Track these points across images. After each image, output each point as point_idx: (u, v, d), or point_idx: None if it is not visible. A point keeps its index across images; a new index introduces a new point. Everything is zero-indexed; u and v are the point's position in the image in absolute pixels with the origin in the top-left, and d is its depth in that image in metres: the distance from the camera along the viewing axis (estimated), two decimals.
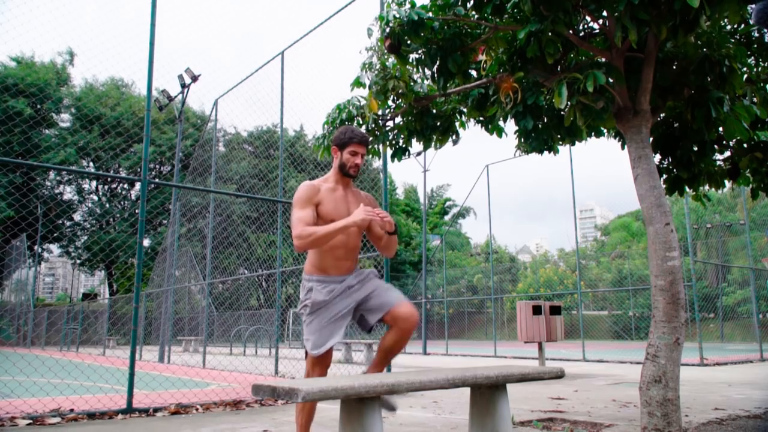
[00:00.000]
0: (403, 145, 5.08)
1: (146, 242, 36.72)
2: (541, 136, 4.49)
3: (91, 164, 37.63)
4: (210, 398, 6.41)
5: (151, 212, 35.19)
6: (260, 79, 11.78)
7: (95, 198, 40.32)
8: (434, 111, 4.94)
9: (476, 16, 3.98)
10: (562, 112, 4.28)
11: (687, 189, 4.67)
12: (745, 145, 4.69)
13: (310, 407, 3.37)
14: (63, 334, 27.38)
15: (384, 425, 3.68)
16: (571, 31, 3.68)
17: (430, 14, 3.95)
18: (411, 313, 3.33)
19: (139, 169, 35.98)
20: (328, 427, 4.65)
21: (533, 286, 36.82)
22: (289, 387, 2.45)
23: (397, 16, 3.86)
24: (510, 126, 4.81)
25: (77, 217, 39.67)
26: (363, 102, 4.81)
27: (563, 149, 5.86)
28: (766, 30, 3.91)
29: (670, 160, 4.52)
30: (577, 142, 4.86)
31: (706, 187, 4.80)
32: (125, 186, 40.35)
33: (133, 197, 40.34)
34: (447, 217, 52.21)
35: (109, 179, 39.98)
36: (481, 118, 4.92)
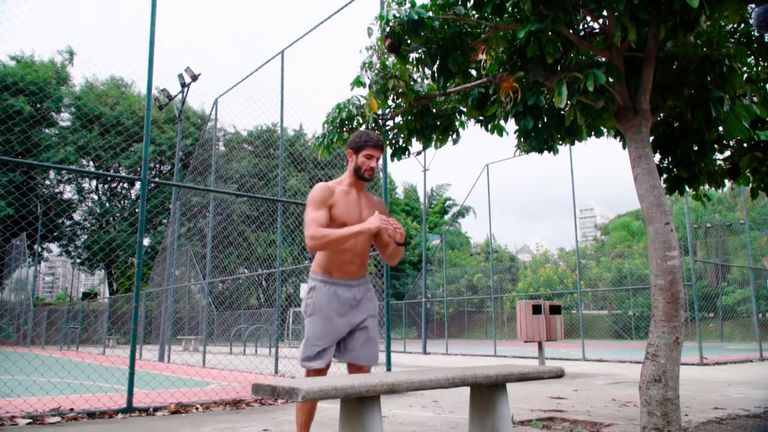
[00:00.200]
0: (403, 145, 5.08)
1: (146, 241, 36.71)
2: (541, 135, 4.49)
3: (91, 163, 37.64)
4: (210, 397, 6.41)
5: (151, 211, 35.20)
6: (260, 78, 11.80)
7: (95, 197, 40.33)
8: (434, 110, 4.94)
9: (476, 16, 3.98)
10: (562, 112, 4.28)
11: (687, 188, 4.67)
12: (745, 145, 4.69)
13: (310, 406, 3.37)
14: (63, 334, 27.37)
15: (384, 424, 3.68)
16: (571, 31, 3.68)
17: (430, 13, 3.95)
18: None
19: (139, 169, 35.99)
20: (329, 426, 4.65)
21: (533, 285, 36.83)
22: (289, 386, 2.45)
23: (397, 15, 3.86)
24: (510, 125, 4.81)
25: (77, 216, 39.68)
26: (363, 101, 4.81)
27: (563, 149, 5.86)
28: (766, 33, 3.91)
29: (670, 159, 4.52)
30: (577, 142, 4.86)
31: (706, 186, 4.80)
32: (125, 185, 40.34)
33: (133, 196, 40.33)
34: (447, 217, 52.20)
35: (109, 178, 39.98)
36: (481, 118, 4.92)
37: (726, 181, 4.87)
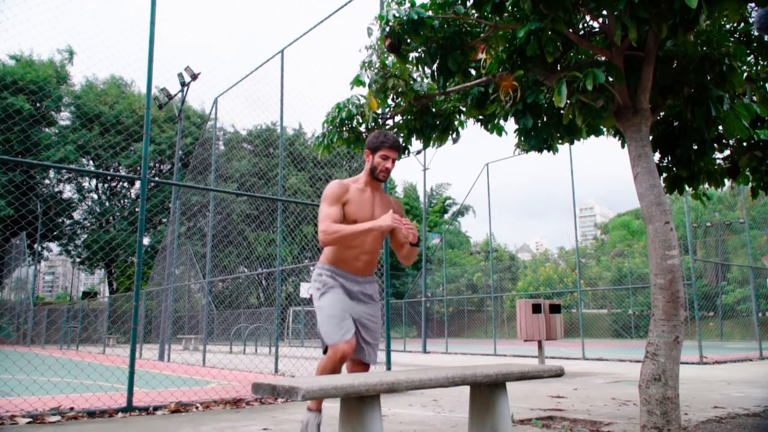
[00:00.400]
0: (403, 144, 5.09)
1: (146, 241, 36.72)
2: (541, 134, 4.49)
3: (91, 163, 37.63)
4: (210, 396, 6.42)
5: (151, 211, 35.20)
6: (260, 77, 11.79)
7: (95, 196, 40.33)
8: (434, 110, 4.94)
9: (476, 15, 3.98)
10: (561, 111, 4.28)
11: (686, 187, 4.67)
12: (744, 144, 4.69)
13: (332, 370, 3.36)
14: (63, 333, 27.38)
15: (384, 423, 3.68)
16: (570, 30, 3.68)
17: (430, 13, 3.95)
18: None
19: (138, 168, 35.99)
20: (329, 425, 4.65)
21: (533, 284, 36.85)
22: (289, 385, 2.46)
23: (397, 15, 3.86)
24: (509, 124, 4.81)
25: (77, 215, 39.68)
26: (363, 100, 4.81)
27: (563, 148, 5.86)
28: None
29: (669, 158, 4.52)
30: (576, 141, 4.86)
31: (706, 185, 4.80)
32: (125, 184, 40.33)
33: (133, 195, 40.33)
34: (447, 216, 52.21)
35: (108, 178, 39.99)
36: (481, 117, 4.92)
37: (725, 180, 4.87)
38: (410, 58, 4.28)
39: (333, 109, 4.92)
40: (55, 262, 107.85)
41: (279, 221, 10.09)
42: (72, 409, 5.29)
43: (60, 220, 37.73)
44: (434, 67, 4.19)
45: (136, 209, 38.37)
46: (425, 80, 4.76)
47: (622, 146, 4.61)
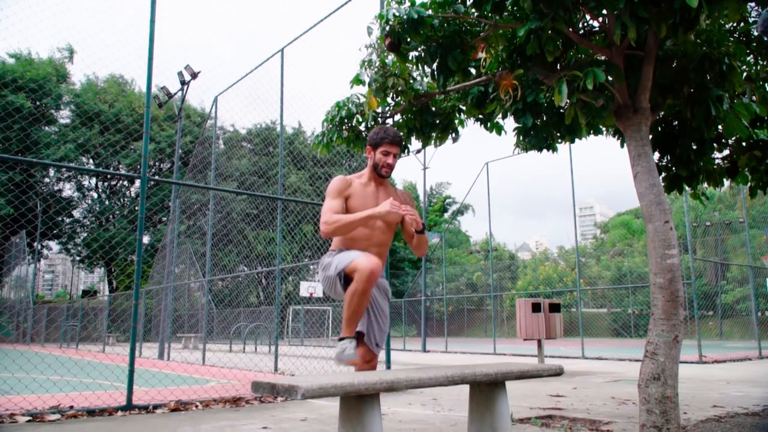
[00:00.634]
0: (403, 143, 5.08)
1: (146, 239, 36.73)
2: (541, 133, 4.49)
3: (91, 161, 37.62)
4: (210, 395, 6.42)
5: (151, 209, 35.18)
6: (260, 76, 11.78)
7: (95, 195, 40.32)
8: (434, 109, 4.94)
9: (476, 14, 3.98)
10: (561, 110, 4.28)
11: (686, 187, 4.67)
12: (744, 144, 4.69)
13: (363, 292, 3.21)
14: (62, 331, 27.38)
15: (384, 422, 3.69)
16: (570, 29, 3.68)
17: (430, 12, 3.95)
18: (373, 365, 3.55)
19: (138, 166, 35.97)
20: (328, 424, 4.66)
21: (533, 283, 36.87)
22: (289, 384, 2.46)
23: (397, 14, 3.86)
24: (509, 124, 4.81)
25: (77, 214, 39.67)
26: (363, 99, 4.81)
27: (562, 147, 5.85)
28: None
29: (669, 158, 4.52)
30: (576, 140, 4.86)
31: (705, 185, 4.80)
32: (125, 183, 40.30)
33: (133, 194, 40.31)
34: (446, 215, 52.23)
35: (108, 176, 39.98)
36: (481, 116, 4.92)
37: (725, 179, 4.87)
38: (410, 57, 4.28)
39: (333, 108, 4.92)
40: (54, 261, 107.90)
41: (279, 220, 10.09)
42: (72, 407, 5.29)
43: (60, 219, 37.72)
44: (434, 66, 4.19)
45: (136, 208, 38.36)
46: (425, 79, 4.76)
47: (621, 145, 4.62)
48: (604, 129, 4.85)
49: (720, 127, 4.27)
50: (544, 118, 4.40)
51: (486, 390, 3.23)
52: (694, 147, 4.34)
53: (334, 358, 3.29)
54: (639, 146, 3.70)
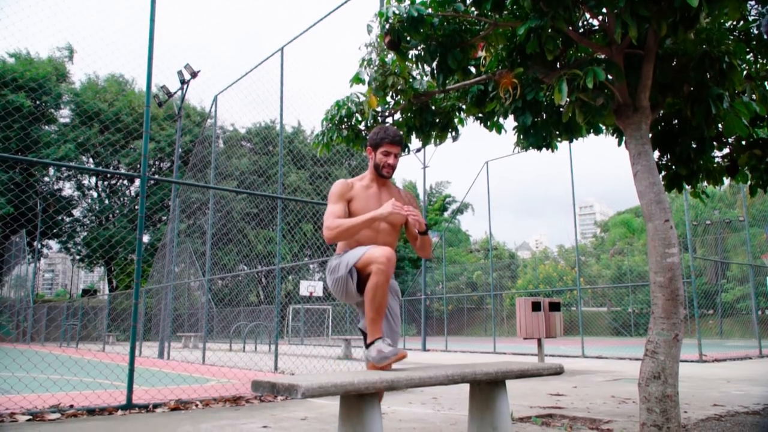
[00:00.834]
0: (403, 142, 5.08)
1: (146, 238, 36.71)
2: (540, 132, 4.48)
3: (91, 160, 37.62)
4: (209, 394, 6.42)
5: (151, 208, 35.17)
6: (260, 75, 11.77)
7: (95, 194, 40.32)
8: (433, 107, 4.93)
9: (476, 13, 3.98)
10: (561, 109, 4.28)
11: (686, 185, 4.67)
12: (744, 142, 4.69)
13: (384, 283, 3.12)
14: (62, 330, 27.38)
15: (384, 421, 3.69)
16: (570, 28, 3.67)
17: (430, 10, 3.94)
18: (386, 367, 3.41)
19: (138, 166, 35.96)
20: (328, 423, 4.66)
21: (532, 282, 36.87)
22: (289, 383, 2.46)
23: (397, 12, 3.85)
24: (509, 122, 4.80)
25: (77, 213, 39.67)
26: (362, 98, 4.81)
27: (562, 146, 5.86)
28: None
29: (669, 156, 4.52)
30: (576, 139, 4.86)
31: (705, 183, 4.80)
32: (125, 182, 40.30)
33: (133, 193, 40.31)
34: (446, 214, 52.22)
35: (108, 175, 39.97)
36: (481, 115, 4.91)
37: (725, 178, 4.87)
38: (410, 56, 4.28)
39: (332, 107, 4.92)
40: (54, 260, 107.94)
41: (279, 219, 10.09)
42: (72, 406, 5.29)
43: (60, 218, 37.72)
44: (434, 64, 4.19)
45: (136, 207, 38.34)
46: (425, 78, 4.75)
47: (619, 144, 4.61)
48: (603, 128, 4.85)
49: (720, 125, 4.27)
50: (544, 117, 4.40)
51: (486, 389, 3.22)
52: (694, 145, 4.34)
53: (375, 362, 3.09)
54: (639, 145, 3.69)
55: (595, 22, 4.05)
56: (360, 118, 4.84)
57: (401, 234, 3.70)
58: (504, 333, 33.33)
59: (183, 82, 16.98)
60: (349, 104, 4.82)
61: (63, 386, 7.09)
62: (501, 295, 34.79)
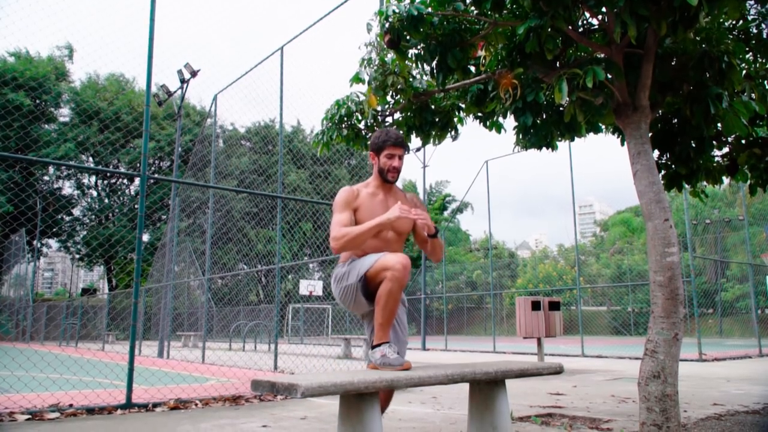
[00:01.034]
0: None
1: (145, 237, 36.72)
2: (540, 132, 4.48)
3: (90, 159, 37.63)
4: (209, 393, 6.42)
5: (151, 207, 35.17)
6: (260, 74, 11.77)
7: (94, 193, 40.33)
8: (433, 107, 4.93)
9: (475, 12, 3.98)
10: (561, 109, 4.28)
11: (685, 185, 4.67)
12: (743, 141, 4.69)
13: (398, 291, 3.08)
14: (62, 330, 27.39)
15: (383, 420, 3.69)
16: (570, 27, 3.67)
17: (430, 9, 3.94)
18: None
19: (138, 165, 35.95)
20: (328, 423, 4.66)
21: (532, 281, 36.87)
22: (288, 382, 2.46)
23: (397, 11, 3.85)
24: (509, 122, 4.80)
25: (76, 212, 39.68)
26: (362, 98, 4.81)
27: (562, 145, 5.86)
28: None
29: (668, 155, 4.52)
30: (576, 139, 4.86)
31: (704, 182, 4.80)
32: (125, 181, 40.31)
33: (133, 192, 40.32)
34: (446, 213, 52.21)
35: (108, 174, 39.97)
36: (480, 114, 4.91)
37: (724, 177, 4.87)
38: (410, 55, 4.27)
39: (332, 107, 4.92)
40: (54, 259, 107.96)
41: (279, 218, 10.09)
42: (71, 405, 5.29)
43: (59, 217, 37.73)
44: (433, 64, 4.18)
45: (136, 206, 38.33)
46: (425, 77, 4.75)
47: (622, 143, 4.61)
48: (603, 127, 4.85)
49: (719, 124, 4.26)
50: (544, 117, 4.40)
51: (486, 388, 3.22)
52: (694, 145, 4.34)
53: (379, 366, 3.06)
54: (638, 144, 3.69)
55: (595, 22, 4.05)
56: (360, 118, 4.84)
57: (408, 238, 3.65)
58: (504, 332, 33.35)
59: (183, 81, 16.97)
60: (349, 103, 4.82)
61: (62, 385, 7.10)
62: (501, 295, 34.81)
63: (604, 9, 3.59)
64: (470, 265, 42.31)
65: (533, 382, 7.65)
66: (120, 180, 40.40)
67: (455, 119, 5.03)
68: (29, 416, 4.88)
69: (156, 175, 24.52)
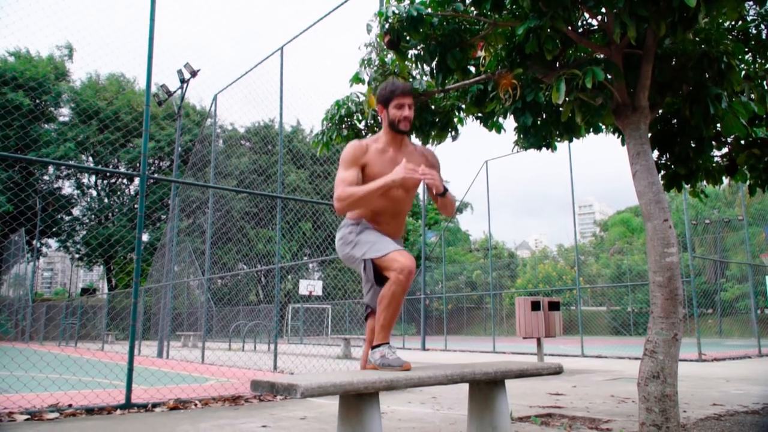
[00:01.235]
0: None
1: (145, 237, 36.71)
2: (540, 132, 4.48)
3: (90, 159, 37.63)
4: (209, 393, 6.42)
5: (150, 207, 35.18)
6: (259, 74, 11.77)
7: (94, 193, 40.33)
8: (433, 107, 4.93)
9: (475, 12, 3.98)
10: (561, 109, 4.28)
11: (685, 185, 4.68)
12: (742, 142, 4.69)
13: (402, 293, 3.04)
14: (61, 329, 27.38)
15: (383, 420, 3.69)
16: (570, 28, 3.68)
17: (429, 10, 3.94)
18: None
19: (138, 164, 35.95)
20: (328, 423, 4.66)
21: (532, 281, 36.88)
22: (288, 383, 2.46)
23: (396, 11, 3.86)
24: (509, 122, 4.81)
25: (76, 211, 39.69)
26: (362, 98, 4.81)
27: (562, 145, 5.86)
28: None
29: (668, 156, 4.52)
30: (575, 139, 4.86)
31: (704, 183, 4.80)
32: (124, 181, 40.31)
33: (132, 192, 40.33)
34: None
35: (108, 174, 39.98)
36: (480, 114, 4.92)
37: (723, 177, 4.87)
38: (409, 56, 4.28)
39: (332, 107, 4.92)
40: (53, 259, 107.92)
41: (278, 218, 10.09)
42: (70, 406, 5.29)
43: (59, 217, 37.73)
44: (433, 64, 4.19)
45: (136, 205, 38.32)
46: (424, 78, 4.75)
47: (622, 144, 4.62)
48: (603, 127, 4.85)
49: (719, 125, 4.27)
50: (544, 117, 4.40)
51: (485, 388, 3.23)
52: (693, 145, 4.34)
53: (378, 366, 3.04)
54: (638, 144, 3.70)
55: (594, 22, 4.05)
56: (360, 118, 4.84)
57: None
58: (503, 332, 33.36)
59: (183, 81, 16.97)
60: (349, 104, 4.83)
61: (62, 385, 7.10)
62: (500, 295, 34.82)
63: (603, 10, 3.60)
64: (470, 265, 42.33)
65: (533, 382, 7.65)
66: (120, 180, 40.40)
67: (455, 119, 5.03)
68: (28, 416, 4.88)
69: (156, 175, 24.54)
